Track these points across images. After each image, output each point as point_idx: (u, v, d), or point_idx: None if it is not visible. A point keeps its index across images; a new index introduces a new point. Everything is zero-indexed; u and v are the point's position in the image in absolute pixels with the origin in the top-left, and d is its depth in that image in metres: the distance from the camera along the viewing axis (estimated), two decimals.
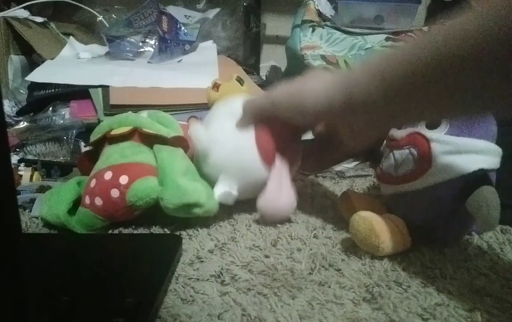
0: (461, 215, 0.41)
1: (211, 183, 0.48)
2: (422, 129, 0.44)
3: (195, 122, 0.52)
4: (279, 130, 0.47)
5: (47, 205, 0.46)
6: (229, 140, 0.48)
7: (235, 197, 0.47)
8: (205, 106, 0.65)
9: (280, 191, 0.46)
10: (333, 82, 0.41)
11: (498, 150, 0.42)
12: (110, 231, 0.46)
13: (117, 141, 0.50)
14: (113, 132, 0.50)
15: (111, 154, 0.48)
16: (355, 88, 0.38)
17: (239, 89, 0.62)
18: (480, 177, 0.40)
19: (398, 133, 0.46)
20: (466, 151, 0.41)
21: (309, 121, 0.47)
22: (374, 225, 0.40)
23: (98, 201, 0.45)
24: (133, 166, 0.47)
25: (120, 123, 0.50)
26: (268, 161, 0.47)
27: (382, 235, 0.40)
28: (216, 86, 0.63)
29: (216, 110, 0.52)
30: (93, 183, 0.46)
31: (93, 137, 0.52)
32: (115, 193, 0.45)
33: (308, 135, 0.51)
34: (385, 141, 0.49)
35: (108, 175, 0.45)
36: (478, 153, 0.41)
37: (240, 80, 0.65)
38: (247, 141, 0.47)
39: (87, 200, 0.45)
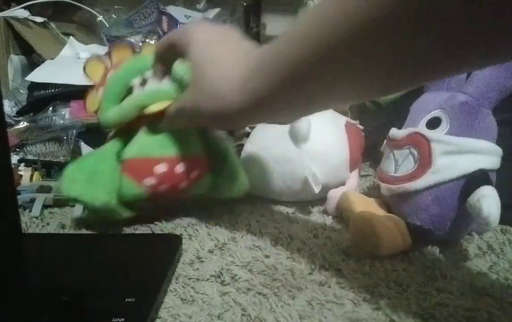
0: (461, 215, 0.41)
1: (299, 169, 0.51)
2: (423, 129, 0.44)
3: None
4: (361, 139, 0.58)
5: (83, 185, 0.44)
6: (323, 141, 0.53)
7: (321, 185, 0.51)
8: None
9: (355, 187, 0.55)
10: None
11: (498, 150, 0.42)
12: (110, 231, 0.46)
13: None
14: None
15: (176, 139, 0.46)
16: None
17: None
18: (480, 177, 0.40)
19: (398, 133, 0.46)
20: (466, 152, 0.41)
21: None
22: (374, 224, 0.40)
23: (163, 188, 0.45)
24: (201, 160, 0.47)
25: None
26: (352, 166, 0.55)
27: (382, 234, 0.40)
28: None
29: None
30: (161, 168, 0.45)
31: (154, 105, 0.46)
32: (183, 185, 0.46)
33: None
34: (385, 141, 0.49)
35: (180, 167, 0.45)
36: (478, 154, 0.41)
37: None
38: (341, 143, 0.54)
39: (149, 181, 0.44)
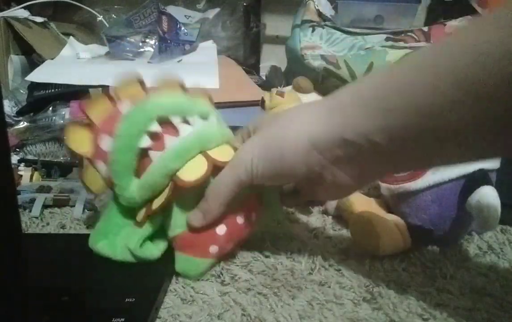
0: (462, 215, 0.41)
1: None
2: None
3: None
4: None
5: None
6: None
7: None
8: None
9: None
10: (317, 120, 0.33)
11: None
12: None
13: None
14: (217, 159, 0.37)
15: None
16: (348, 128, 0.31)
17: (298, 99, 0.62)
18: (480, 177, 0.40)
19: None
20: None
21: (291, 179, 0.38)
22: (374, 225, 0.40)
23: (229, 246, 0.39)
24: (253, 201, 0.40)
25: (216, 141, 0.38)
26: None
27: (382, 235, 0.40)
28: (280, 94, 0.64)
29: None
30: (221, 230, 0.37)
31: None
32: (246, 233, 0.39)
33: None
34: None
35: (240, 219, 0.38)
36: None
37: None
38: None
39: (212, 250, 0.37)
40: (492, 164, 0.42)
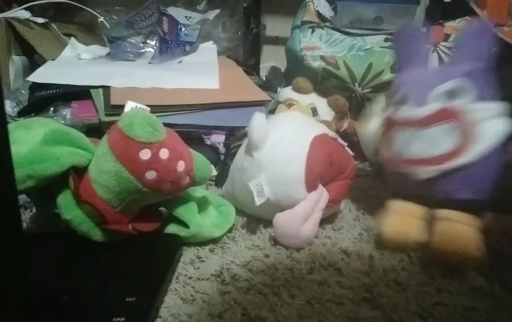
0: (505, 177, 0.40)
1: (249, 178, 0.46)
2: (453, 103, 0.42)
3: (260, 114, 0.48)
4: (335, 166, 0.48)
5: None
6: (275, 152, 0.46)
7: (265, 198, 0.44)
8: (205, 107, 0.65)
9: (306, 218, 0.44)
10: None
11: None
12: None
13: None
14: None
15: None
16: None
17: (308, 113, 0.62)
18: None
19: (418, 111, 0.43)
20: (500, 115, 0.41)
21: None
22: (466, 243, 0.39)
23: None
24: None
25: None
26: (310, 184, 0.45)
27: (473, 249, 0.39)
28: (289, 104, 0.64)
29: (279, 117, 0.53)
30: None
31: None
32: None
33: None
34: (395, 126, 0.45)
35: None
36: (504, 116, 0.41)
37: (314, 111, 0.63)
38: (298, 155, 0.46)
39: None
40: None
